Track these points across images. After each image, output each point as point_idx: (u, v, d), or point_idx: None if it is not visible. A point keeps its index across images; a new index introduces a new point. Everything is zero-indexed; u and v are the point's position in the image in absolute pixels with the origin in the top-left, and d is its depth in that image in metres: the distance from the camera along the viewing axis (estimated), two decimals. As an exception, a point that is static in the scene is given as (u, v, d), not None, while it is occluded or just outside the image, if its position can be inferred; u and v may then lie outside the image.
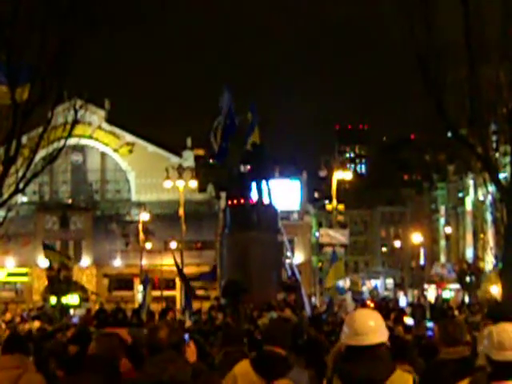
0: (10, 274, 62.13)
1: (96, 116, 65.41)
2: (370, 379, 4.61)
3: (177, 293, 51.58)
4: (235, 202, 31.46)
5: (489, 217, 52.12)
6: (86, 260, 64.10)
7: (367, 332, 4.68)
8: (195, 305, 31.03)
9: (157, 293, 44.26)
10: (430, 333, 14.15)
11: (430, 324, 17.87)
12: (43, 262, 61.74)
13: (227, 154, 32.27)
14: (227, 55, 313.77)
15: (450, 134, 25.22)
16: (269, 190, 31.24)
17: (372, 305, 31.47)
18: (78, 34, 23.26)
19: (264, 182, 31.04)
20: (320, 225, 77.98)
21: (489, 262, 54.05)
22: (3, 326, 21.98)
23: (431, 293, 68.27)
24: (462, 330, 6.32)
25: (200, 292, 56.98)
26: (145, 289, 25.25)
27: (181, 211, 46.95)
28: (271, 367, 6.12)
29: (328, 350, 8.34)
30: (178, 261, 32.08)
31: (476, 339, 8.53)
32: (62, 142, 24.12)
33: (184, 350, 5.36)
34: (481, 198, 61.67)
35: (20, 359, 6.39)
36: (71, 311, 36.42)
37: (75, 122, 24.38)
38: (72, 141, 25.62)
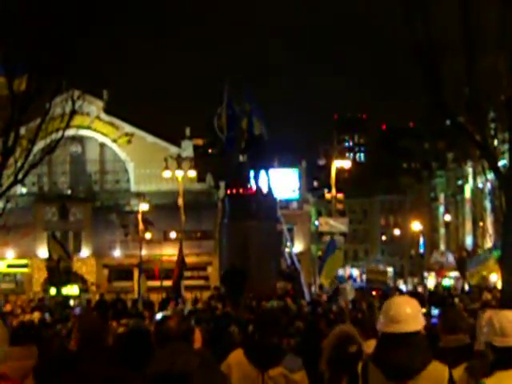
0: (9, 266, 62.17)
1: (94, 106, 65.30)
2: (409, 367, 4.54)
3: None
4: (234, 191, 31.45)
5: (488, 204, 52.12)
6: (85, 251, 64.10)
7: (403, 320, 4.59)
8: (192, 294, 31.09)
9: (157, 283, 44.27)
10: (434, 320, 14.10)
11: (434, 311, 17.82)
12: (43, 252, 61.86)
13: (234, 144, 32.24)
14: (225, 43, 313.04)
15: (448, 122, 25.18)
16: (268, 179, 31.23)
17: (374, 293, 31.36)
18: (75, 28, 23.21)
19: (263, 172, 31.04)
20: (319, 213, 77.86)
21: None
22: None
23: (431, 281, 68.37)
24: (462, 318, 6.29)
25: (199, 282, 57.30)
26: (138, 279, 25.31)
27: (180, 201, 46.90)
28: (264, 356, 6.11)
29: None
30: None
31: (475, 326, 8.51)
32: (60, 133, 24.08)
33: (193, 339, 5.34)
34: (480, 185, 61.71)
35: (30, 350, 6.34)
36: (71, 302, 36.47)
37: (73, 112, 24.34)
38: (70, 131, 25.52)
